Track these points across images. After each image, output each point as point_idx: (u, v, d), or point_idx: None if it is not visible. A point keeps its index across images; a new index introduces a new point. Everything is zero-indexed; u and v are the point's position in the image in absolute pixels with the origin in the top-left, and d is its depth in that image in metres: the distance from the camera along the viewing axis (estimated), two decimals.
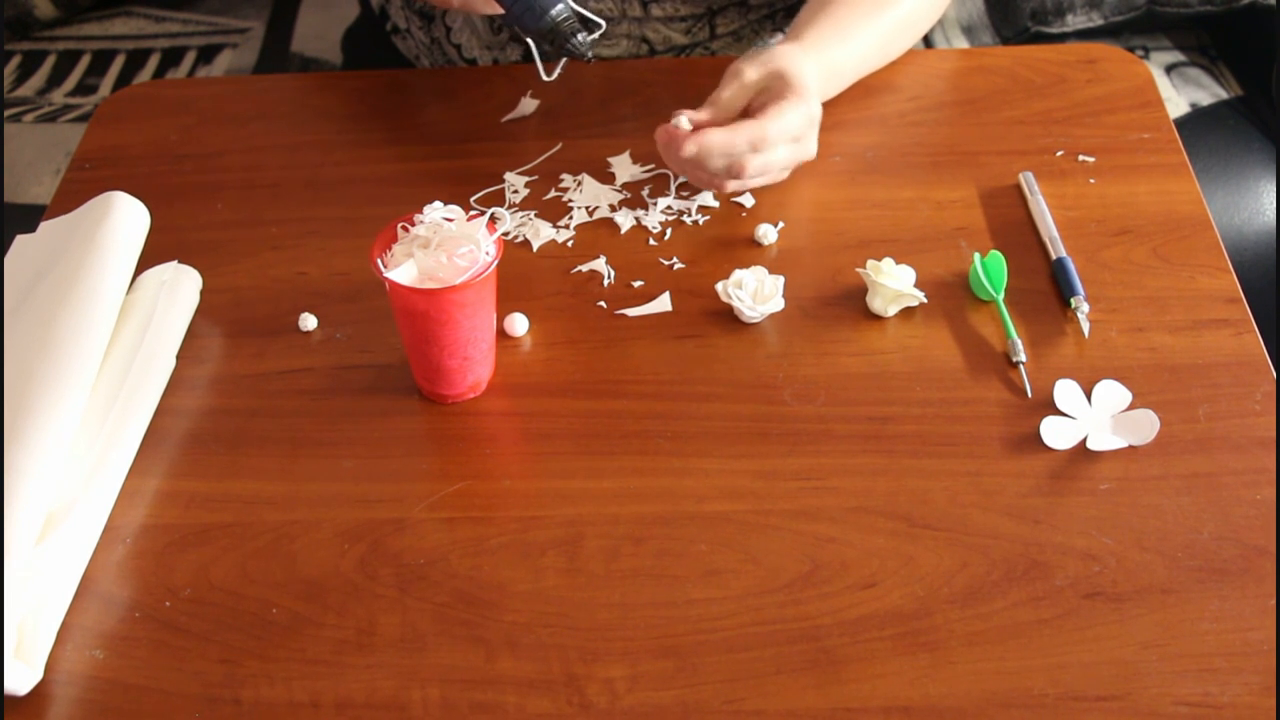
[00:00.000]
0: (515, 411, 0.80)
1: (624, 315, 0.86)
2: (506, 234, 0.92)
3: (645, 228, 0.92)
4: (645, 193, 0.95)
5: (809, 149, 0.91)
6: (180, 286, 0.86)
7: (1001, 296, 0.84)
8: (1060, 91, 1.02)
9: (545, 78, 0.90)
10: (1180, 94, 1.33)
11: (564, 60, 0.90)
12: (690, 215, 0.93)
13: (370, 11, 1.31)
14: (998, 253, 0.85)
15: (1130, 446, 0.76)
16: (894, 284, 0.83)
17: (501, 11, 0.90)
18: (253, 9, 1.56)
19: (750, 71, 0.89)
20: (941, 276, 0.87)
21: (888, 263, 0.84)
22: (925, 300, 0.84)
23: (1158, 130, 0.98)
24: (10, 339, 0.77)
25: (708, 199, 0.94)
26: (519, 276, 0.88)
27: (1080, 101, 1.01)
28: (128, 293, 0.84)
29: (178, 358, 0.83)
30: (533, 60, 1.17)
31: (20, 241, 0.87)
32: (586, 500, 0.75)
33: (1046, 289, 0.86)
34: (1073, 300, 0.84)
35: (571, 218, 0.93)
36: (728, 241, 0.91)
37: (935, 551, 0.71)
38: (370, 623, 0.69)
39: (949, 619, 0.68)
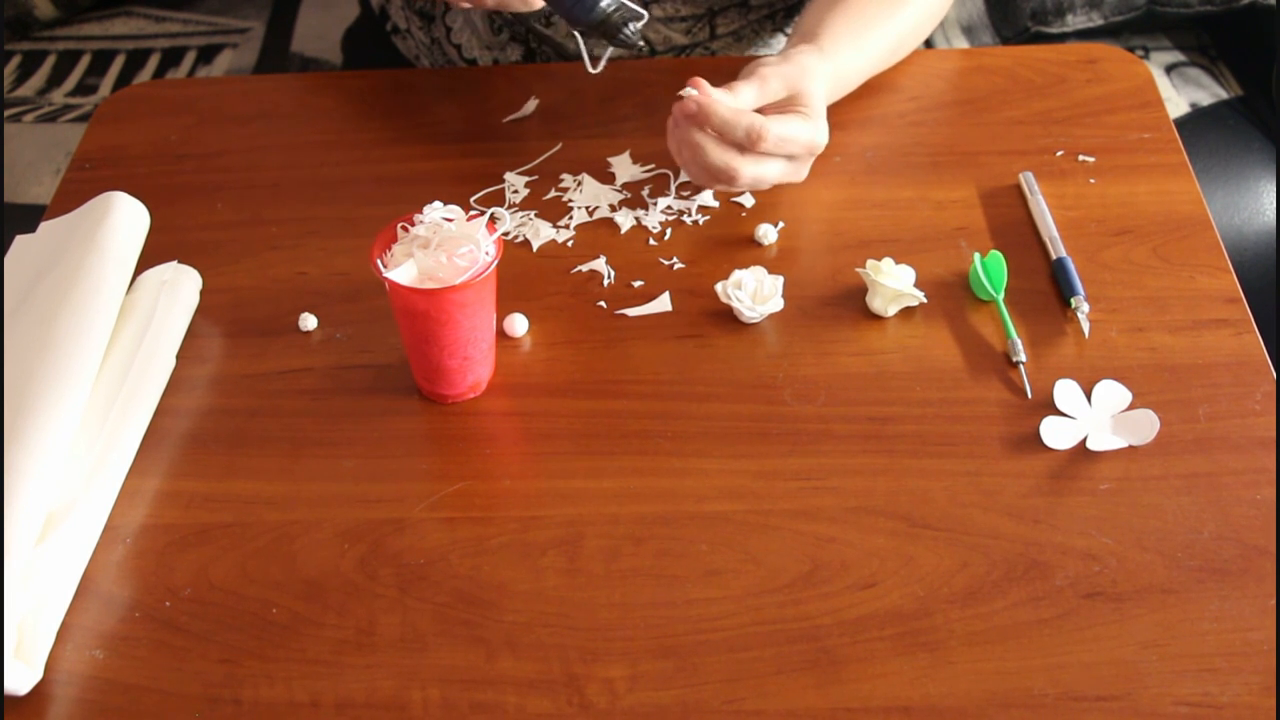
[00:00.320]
0: (515, 411, 0.80)
1: (624, 315, 0.86)
2: (506, 234, 0.92)
3: (645, 228, 0.92)
4: (645, 193, 0.95)
5: (800, 173, 0.91)
6: (180, 286, 0.86)
7: (1001, 296, 0.84)
8: (1060, 91, 1.02)
9: (591, 70, 0.90)
10: (1180, 94, 1.33)
11: (609, 51, 0.89)
12: (690, 215, 0.93)
13: (370, 11, 1.31)
14: (998, 253, 0.85)
15: (1130, 446, 0.76)
16: (894, 284, 0.83)
17: (540, 7, 0.90)
18: (253, 9, 1.56)
19: (774, 81, 0.88)
20: (941, 276, 0.87)
21: (888, 263, 0.84)
22: (925, 300, 0.84)
23: (1158, 130, 0.98)
24: (10, 339, 0.77)
25: (708, 199, 0.94)
26: (519, 276, 0.88)
27: (1080, 101, 1.01)
28: (128, 293, 0.84)
29: (178, 358, 0.84)
30: (533, 60, 1.17)
31: (20, 241, 0.87)
32: (586, 500, 0.75)
33: (1046, 289, 0.86)
34: (1073, 300, 0.84)
35: (571, 218, 0.93)
36: (728, 241, 0.91)
37: (935, 551, 0.71)
38: (370, 623, 0.69)
39: (949, 619, 0.68)
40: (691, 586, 0.70)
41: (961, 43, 1.38)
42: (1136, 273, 0.87)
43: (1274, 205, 1.26)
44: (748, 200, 0.94)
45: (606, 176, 0.96)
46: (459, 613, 0.70)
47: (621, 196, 0.95)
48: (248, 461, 0.78)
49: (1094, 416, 0.77)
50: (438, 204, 0.78)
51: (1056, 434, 0.76)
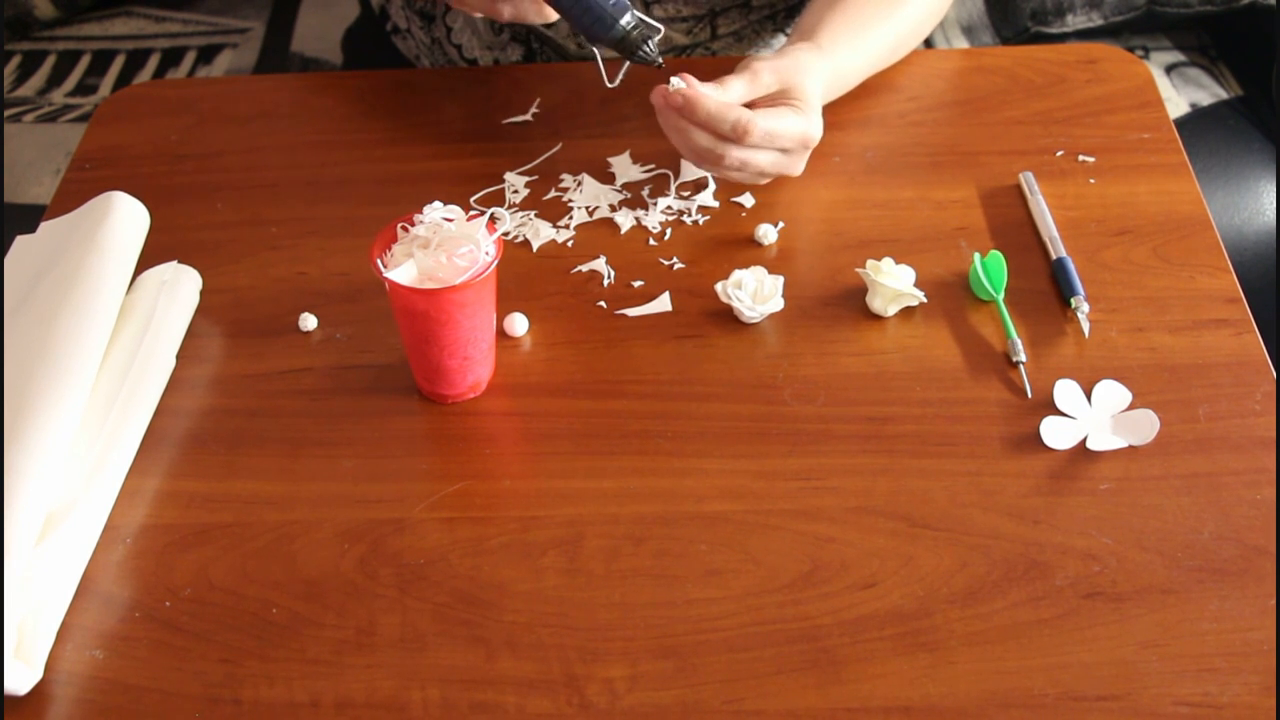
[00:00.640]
0: (515, 411, 0.80)
1: (624, 315, 0.86)
2: (506, 234, 0.92)
3: (645, 228, 0.92)
4: (645, 193, 0.95)
5: (794, 166, 0.91)
6: (180, 286, 0.86)
7: (1001, 296, 0.84)
8: (1060, 91, 1.02)
9: (609, 84, 0.90)
10: (1180, 94, 1.33)
11: (626, 65, 0.90)
12: (690, 215, 0.93)
13: (370, 11, 1.31)
14: (998, 253, 0.85)
15: (1130, 446, 0.76)
16: (894, 284, 0.83)
17: (554, 20, 0.90)
18: (253, 9, 1.56)
19: (766, 75, 0.88)
20: (941, 276, 0.87)
21: (888, 263, 0.84)
22: (925, 300, 0.84)
23: (1158, 130, 0.98)
24: (10, 339, 0.77)
25: (708, 199, 0.94)
26: (519, 276, 0.88)
27: (1080, 101, 1.01)
28: (128, 293, 0.84)
29: (178, 358, 0.83)
30: (534, 60, 1.17)
31: (20, 242, 0.87)
32: (586, 500, 0.75)
33: (1046, 289, 0.86)
34: (1073, 300, 0.84)
35: (571, 218, 0.93)
36: (728, 241, 0.91)
37: (935, 551, 0.71)
38: (370, 623, 0.69)
39: (949, 619, 0.68)
40: (691, 586, 0.70)
41: (961, 43, 1.38)
42: (1136, 273, 0.87)
43: (1274, 205, 1.26)
44: (748, 200, 0.94)
45: (606, 176, 0.96)
46: (459, 613, 0.70)
47: (621, 196, 0.95)
48: (248, 461, 0.78)
49: (1094, 416, 0.77)
50: (438, 204, 0.78)
51: (1056, 434, 0.76)
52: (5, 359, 0.76)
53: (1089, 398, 0.78)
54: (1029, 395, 0.79)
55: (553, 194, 0.95)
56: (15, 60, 1.48)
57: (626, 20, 0.87)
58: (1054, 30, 1.35)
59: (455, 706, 0.66)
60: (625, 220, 0.92)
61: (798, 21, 1.01)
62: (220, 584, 0.72)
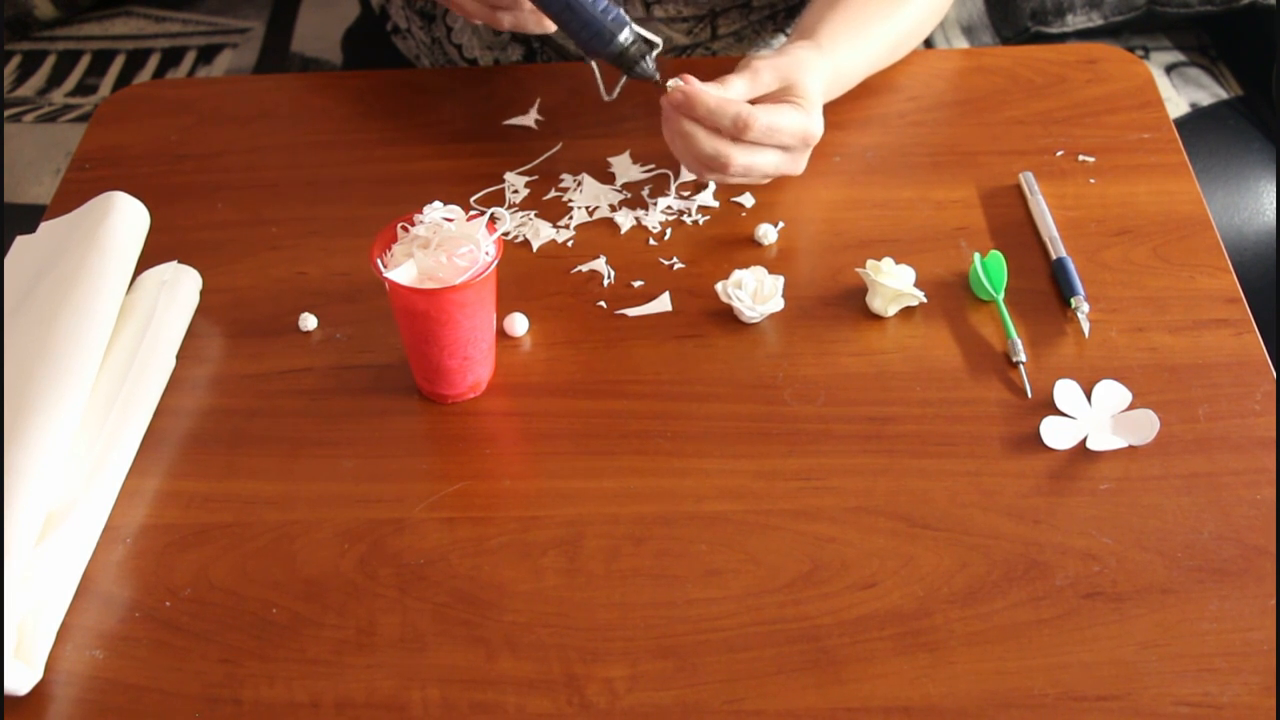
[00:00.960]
0: (515, 411, 0.80)
1: (624, 315, 0.86)
2: (506, 234, 0.92)
3: (645, 228, 0.92)
4: (645, 193, 0.95)
5: (796, 165, 0.91)
6: (180, 286, 0.86)
7: (1001, 296, 0.84)
8: (1060, 91, 1.02)
9: (606, 97, 0.90)
10: (1180, 94, 1.33)
11: (623, 79, 0.90)
12: (690, 215, 0.93)
13: (370, 11, 1.31)
14: (998, 253, 0.85)
15: (1130, 446, 0.76)
16: (894, 284, 0.83)
17: (553, 30, 0.90)
18: (253, 9, 1.56)
19: (766, 73, 0.88)
20: (941, 276, 0.87)
21: (888, 263, 0.84)
22: (925, 300, 0.84)
23: (1158, 130, 0.98)
24: (10, 339, 0.77)
25: (708, 199, 0.94)
26: (519, 276, 0.88)
27: (1080, 101, 1.01)
28: (128, 293, 0.84)
29: (178, 358, 0.84)
30: (534, 60, 1.17)
31: (20, 242, 0.87)
32: (586, 500, 0.75)
33: (1046, 289, 0.86)
34: (1073, 300, 0.84)
35: (571, 218, 0.93)
36: (728, 241, 0.91)
37: (935, 551, 0.71)
38: (370, 623, 0.69)
39: (949, 619, 0.68)
40: (691, 586, 0.70)
41: (961, 43, 1.38)
42: (1136, 273, 0.87)
43: (1274, 205, 1.26)
44: (748, 200, 0.94)
45: (606, 176, 0.96)
46: (459, 613, 0.70)
47: (621, 196, 0.95)
48: (248, 461, 0.78)
49: (1094, 416, 0.77)
50: (438, 204, 0.78)
51: (1056, 434, 0.76)
52: (5, 359, 0.76)
53: (1089, 398, 0.78)
54: (1029, 395, 0.79)
55: (553, 194, 0.95)
56: (15, 60, 1.48)
57: (625, 36, 0.87)
58: (1054, 30, 1.35)
59: (455, 706, 0.66)
60: (625, 220, 0.92)
61: (798, 21, 1.01)
62: (220, 584, 0.72)
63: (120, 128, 1.04)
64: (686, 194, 0.95)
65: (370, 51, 1.33)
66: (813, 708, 0.65)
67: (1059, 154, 0.96)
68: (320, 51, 1.47)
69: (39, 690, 0.67)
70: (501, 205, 0.94)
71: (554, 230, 0.92)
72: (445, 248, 0.76)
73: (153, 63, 1.48)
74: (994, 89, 1.03)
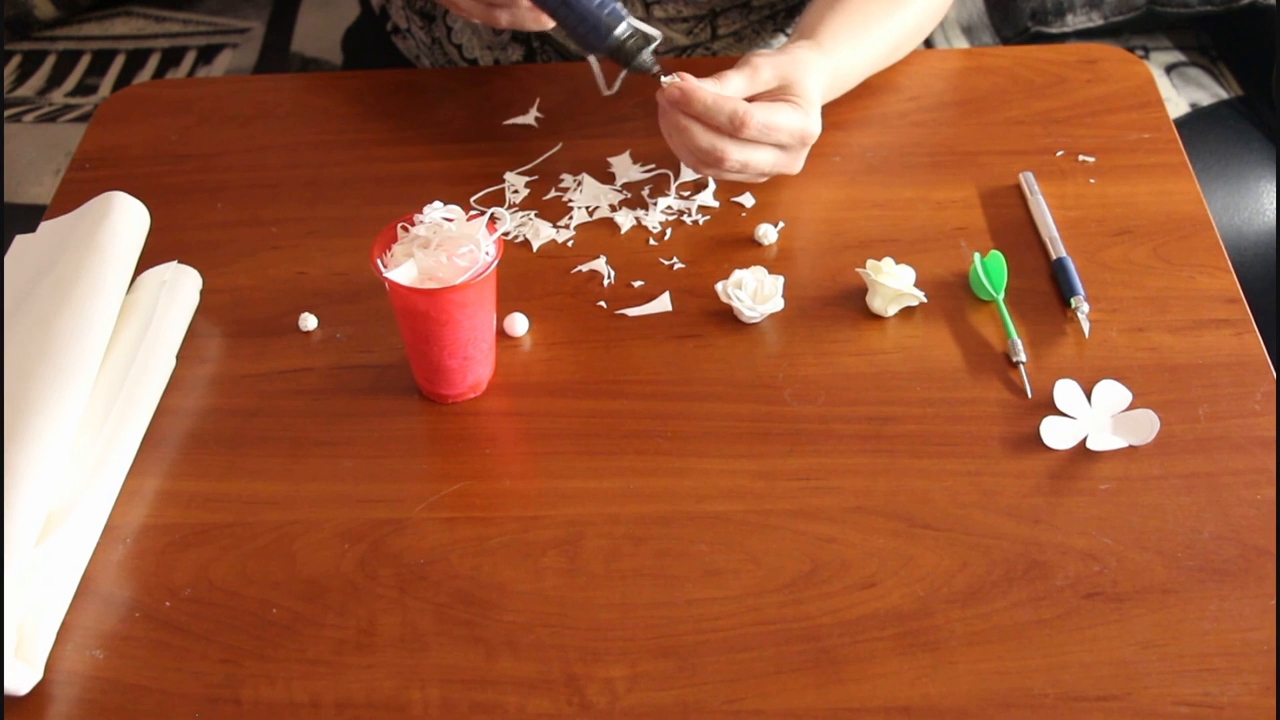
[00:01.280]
0: (515, 411, 0.80)
1: (624, 315, 0.86)
2: (506, 234, 0.92)
3: (645, 228, 0.92)
4: (645, 193, 0.95)
5: (793, 164, 0.90)
6: (180, 286, 0.86)
7: (1001, 296, 0.84)
8: (1060, 91, 1.02)
9: (605, 91, 0.90)
10: (1180, 94, 1.33)
11: (623, 74, 0.90)
12: (690, 215, 0.93)
13: (370, 11, 1.31)
14: (998, 253, 0.85)
15: (1130, 446, 0.76)
16: (894, 284, 0.83)
17: (550, 27, 0.90)
18: (253, 9, 1.56)
19: (766, 70, 0.88)
20: (941, 276, 0.87)
21: (888, 263, 0.84)
22: (925, 300, 0.84)
23: (1158, 130, 0.98)
24: (10, 339, 0.77)
25: (708, 199, 0.94)
26: (519, 276, 0.88)
27: (1080, 101, 1.01)
28: (128, 293, 0.84)
29: (178, 358, 0.83)
30: (534, 60, 1.17)
31: (20, 241, 0.87)
32: (586, 500, 0.75)
33: (1046, 289, 0.86)
34: (1073, 300, 0.84)
35: (571, 218, 0.93)
36: (728, 241, 0.91)
37: (935, 551, 0.71)
38: (370, 623, 0.69)
39: (949, 619, 0.68)
40: (691, 586, 0.70)
41: (961, 43, 1.38)
42: (1136, 273, 0.87)
43: (1274, 205, 1.26)
44: (748, 200, 0.94)
45: (606, 176, 0.96)
46: (459, 613, 0.70)
47: (621, 196, 0.95)
48: (248, 461, 0.78)
49: (1094, 416, 0.77)
50: (438, 204, 0.78)
51: (1056, 434, 0.76)
52: (5, 359, 0.76)
53: (1089, 398, 0.78)
54: (1029, 395, 0.79)
55: (553, 194, 0.95)
56: (15, 60, 1.48)
57: (621, 29, 0.87)
58: (1054, 30, 1.35)
59: (455, 706, 0.66)
60: (625, 220, 0.92)
61: (798, 21, 1.01)
62: (220, 584, 0.72)
63: (120, 128, 1.04)
64: (686, 194, 0.95)
65: (370, 51, 1.33)
66: (813, 708, 0.65)
67: (1059, 154, 0.96)
68: (320, 51, 1.47)
69: (39, 690, 0.67)
70: (501, 205, 0.94)
71: (554, 230, 0.92)
72: (445, 248, 0.76)
73: (153, 63, 1.48)
74: (994, 89, 1.03)
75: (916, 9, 1.01)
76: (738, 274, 0.84)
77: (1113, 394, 0.78)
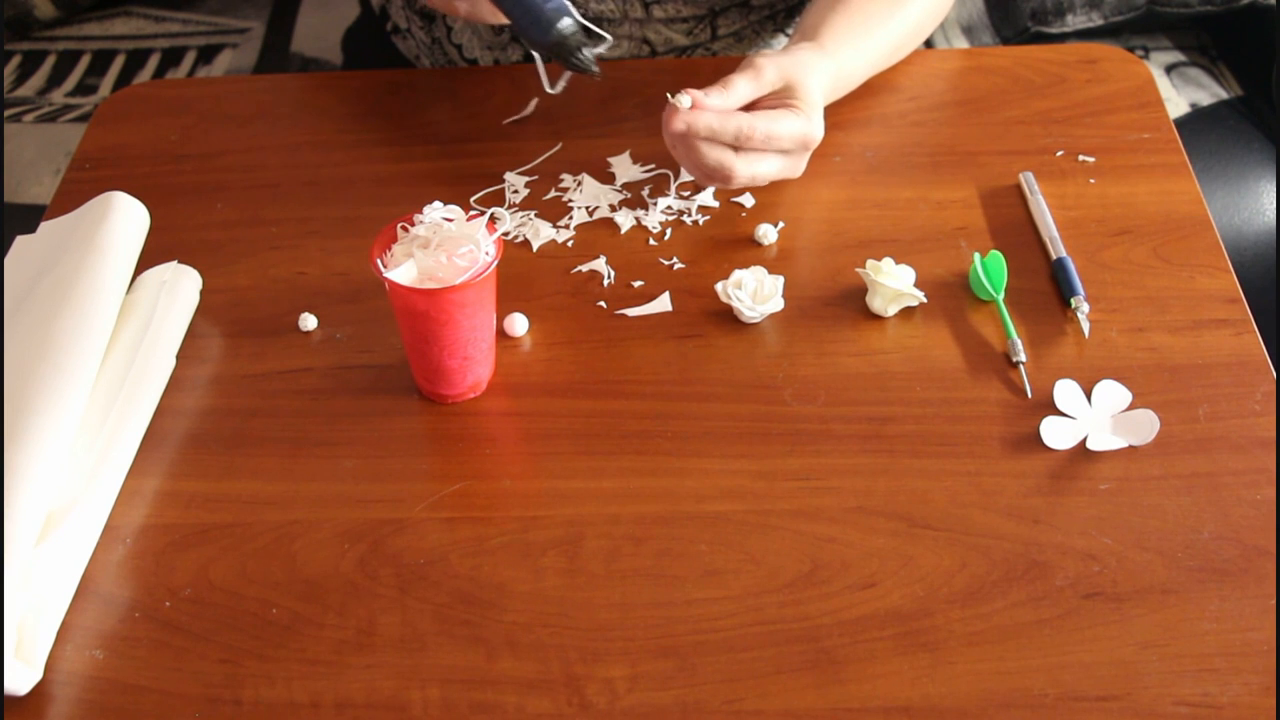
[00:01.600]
0: (515, 411, 0.80)
1: (624, 315, 0.86)
2: (506, 234, 0.92)
3: (645, 228, 0.92)
4: (645, 193, 0.95)
5: (796, 168, 0.91)
6: (180, 286, 0.86)
7: (1001, 296, 0.84)
8: (1060, 91, 1.02)
9: (549, 89, 0.90)
10: (1180, 94, 1.33)
11: (568, 73, 0.90)
12: (690, 215, 0.93)
13: (370, 11, 1.31)
14: (998, 253, 0.85)
15: (1130, 446, 0.76)
16: (894, 284, 0.83)
17: (508, 22, 0.90)
18: (253, 9, 1.56)
19: (769, 71, 0.88)
20: (941, 276, 0.87)
21: (888, 263, 0.84)
22: (925, 300, 0.84)
23: (1158, 130, 0.98)
24: (10, 339, 0.77)
25: (708, 199, 0.94)
26: (519, 276, 0.88)
27: (1080, 101, 1.01)
28: (128, 293, 0.84)
29: (178, 358, 0.83)
30: (534, 61, 1.17)
31: (20, 241, 0.87)
32: (586, 500, 0.75)
33: (1046, 289, 0.86)
34: (1073, 300, 0.84)
35: (571, 218, 0.93)
36: (728, 241, 0.91)
37: (935, 551, 0.71)
38: (370, 623, 0.69)
39: (949, 619, 0.68)
40: (691, 586, 0.70)
41: (961, 43, 1.38)
42: (1136, 273, 0.87)
43: (1274, 205, 1.26)
44: (748, 200, 0.94)
45: (606, 176, 0.96)
46: (459, 613, 0.70)
47: (621, 196, 0.95)
48: (248, 461, 0.78)
49: (1094, 416, 0.77)
50: (438, 204, 0.78)
51: (1056, 434, 0.76)
52: (5, 359, 0.76)
53: (1089, 398, 0.78)
54: (1029, 395, 0.79)
55: (553, 194, 0.95)
56: (15, 60, 1.48)
57: (564, 24, 0.86)
58: (1054, 30, 1.35)
59: (455, 706, 0.66)
60: (625, 220, 0.92)
61: (799, 22, 1.01)
62: (220, 584, 0.72)
63: (120, 128, 1.04)
64: (686, 194, 0.95)
65: (370, 51, 1.33)
66: (812, 708, 0.65)
67: (1059, 154, 0.96)
68: (320, 51, 1.47)
69: (39, 690, 0.67)
70: (501, 205, 0.94)
71: (554, 230, 0.92)
72: (445, 248, 0.76)
73: (153, 63, 1.48)
74: (994, 89, 1.03)
75: (918, 9, 1.01)
76: (738, 274, 0.84)
77: (1113, 394, 0.78)
